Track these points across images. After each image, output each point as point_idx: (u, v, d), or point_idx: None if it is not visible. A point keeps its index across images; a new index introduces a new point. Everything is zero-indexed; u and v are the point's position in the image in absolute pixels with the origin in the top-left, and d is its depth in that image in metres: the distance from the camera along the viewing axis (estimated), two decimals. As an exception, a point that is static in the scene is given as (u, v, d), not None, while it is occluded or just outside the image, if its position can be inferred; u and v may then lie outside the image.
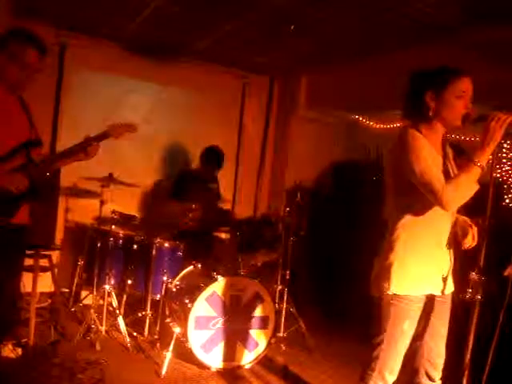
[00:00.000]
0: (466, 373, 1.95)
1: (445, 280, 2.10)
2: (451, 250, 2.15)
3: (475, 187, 1.94)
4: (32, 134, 2.43)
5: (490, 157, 1.95)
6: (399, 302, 2.04)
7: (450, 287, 2.16)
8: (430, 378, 2.19)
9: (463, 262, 2.17)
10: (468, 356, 1.93)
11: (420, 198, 2.00)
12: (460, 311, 2.18)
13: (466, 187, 1.92)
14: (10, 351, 3.13)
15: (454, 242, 2.16)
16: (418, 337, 2.16)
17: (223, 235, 4.22)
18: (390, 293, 2.04)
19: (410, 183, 1.99)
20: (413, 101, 2.12)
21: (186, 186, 4.58)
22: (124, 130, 2.67)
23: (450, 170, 2.11)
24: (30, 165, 2.34)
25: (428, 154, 1.99)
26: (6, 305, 2.42)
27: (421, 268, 2.06)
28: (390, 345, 2.07)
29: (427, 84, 2.06)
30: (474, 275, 1.94)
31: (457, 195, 1.92)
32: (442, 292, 2.11)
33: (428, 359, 2.18)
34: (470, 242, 2.09)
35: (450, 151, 2.21)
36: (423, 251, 2.07)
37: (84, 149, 2.50)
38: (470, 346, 1.93)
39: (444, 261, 2.12)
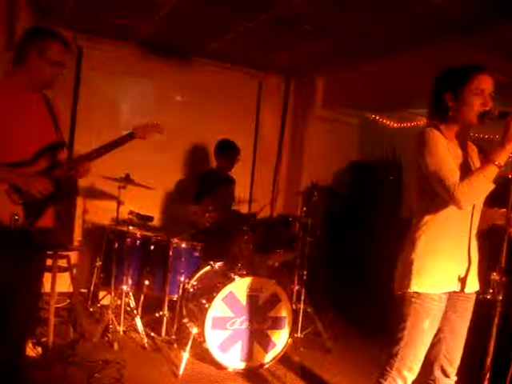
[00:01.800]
0: (488, 375, 1.92)
1: (467, 278, 2.07)
2: (475, 248, 2.12)
3: (490, 186, 1.92)
4: (58, 136, 2.43)
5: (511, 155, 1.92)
6: (420, 300, 2.04)
7: (474, 286, 2.13)
8: (446, 374, 2.18)
9: (484, 262, 2.15)
10: (489, 357, 1.91)
11: (441, 197, 1.98)
12: (479, 310, 2.16)
13: (480, 186, 1.90)
14: (30, 350, 3.17)
15: (478, 240, 2.13)
16: (437, 331, 2.13)
17: (240, 235, 4.21)
18: (410, 291, 2.04)
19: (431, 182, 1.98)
20: (434, 102, 2.13)
21: (208, 188, 4.59)
22: (151, 131, 2.66)
23: (473, 167, 2.08)
24: (54, 168, 2.34)
25: (444, 150, 1.98)
26: (30, 306, 2.44)
27: (442, 266, 2.04)
28: (410, 343, 2.06)
29: (445, 85, 2.07)
30: (495, 275, 1.91)
31: (470, 193, 1.90)
32: (463, 290, 2.08)
33: (445, 355, 2.17)
34: None
35: (474, 148, 2.19)
36: (445, 249, 2.05)
37: (109, 150, 2.49)
38: (492, 347, 1.90)
39: (466, 259, 2.08)
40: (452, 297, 2.10)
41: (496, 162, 1.88)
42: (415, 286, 2.03)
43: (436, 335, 2.13)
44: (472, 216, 2.07)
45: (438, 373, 2.19)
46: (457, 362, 2.19)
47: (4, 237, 2.18)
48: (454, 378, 2.20)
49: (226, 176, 4.91)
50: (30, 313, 2.49)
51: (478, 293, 2.15)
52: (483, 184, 1.90)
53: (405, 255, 2.10)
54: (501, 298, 1.90)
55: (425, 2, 3.30)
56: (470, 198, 1.93)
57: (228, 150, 4.78)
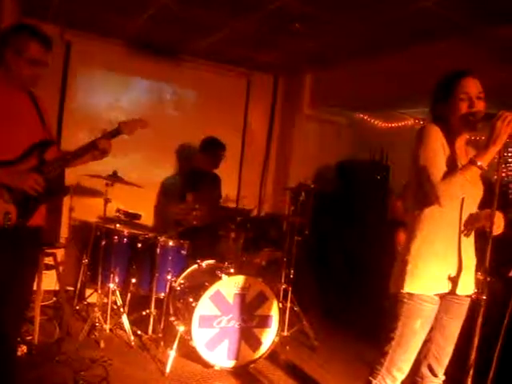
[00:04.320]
0: (471, 372, 1.95)
1: (459, 280, 2.08)
2: (468, 251, 2.13)
3: (469, 187, 1.96)
4: (45, 133, 2.41)
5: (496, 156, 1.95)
6: (412, 300, 2.07)
7: (469, 289, 2.13)
8: (433, 373, 2.21)
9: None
10: (473, 356, 1.93)
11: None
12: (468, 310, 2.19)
13: (458, 186, 1.94)
14: (15, 348, 3.14)
15: (473, 242, 2.15)
16: (428, 331, 2.16)
17: (227, 234, 4.21)
18: (403, 291, 2.07)
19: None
20: (432, 110, 2.19)
21: (193, 186, 4.58)
22: (135, 127, 2.64)
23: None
24: (43, 166, 2.31)
25: (438, 147, 2.02)
26: (22, 305, 2.43)
27: (434, 268, 2.07)
28: (400, 343, 2.09)
29: (437, 93, 2.14)
30: (479, 275, 1.94)
31: (448, 192, 1.94)
32: (455, 291, 2.09)
33: (434, 354, 2.20)
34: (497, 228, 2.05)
35: (471, 151, 2.20)
36: (437, 251, 2.07)
37: (96, 147, 2.46)
38: (475, 346, 1.93)
39: (457, 261, 2.10)
40: (446, 298, 2.13)
41: (478, 164, 1.92)
42: (408, 287, 2.06)
43: (427, 334, 2.15)
44: (460, 219, 2.09)
45: (425, 371, 2.22)
46: (445, 362, 2.22)
47: None
48: (442, 378, 2.23)
49: (212, 174, 4.91)
50: (21, 311, 2.48)
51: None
52: (461, 184, 1.94)
53: (401, 255, 2.13)
54: (484, 297, 1.92)
55: (415, 3, 3.32)
56: (448, 197, 1.97)
57: (211, 147, 4.80)
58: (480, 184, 2.15)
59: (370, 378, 2.16)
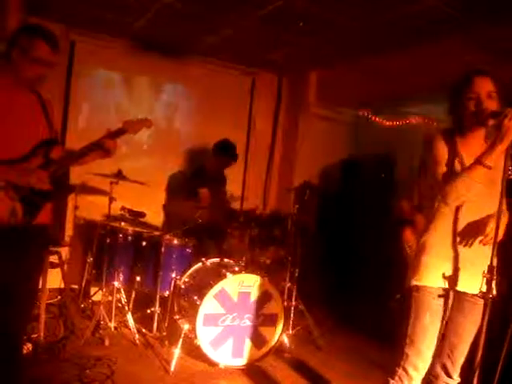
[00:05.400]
0: (477, 373, 1.94)
1: (469, 278, 2.08)
2: (481, 249, 2.08)
3: (475, 186, 1.96)
4: (51, 133, 2.41)
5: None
6: (419, 293, 2.12)
7: (478, 287, 2.03)
8: (448, 374, 2.21)
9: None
10: (479, 355, 1.92)
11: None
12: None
13: (463, 185, 1.97)
14: (21, 346, 3.15)
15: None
16: (442, 329, 2.17)
17: (232, 232, 4.21)
18: (411, 285, 2.14)
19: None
20: (448, 108, 2.21)
21: (200, 185, 4.56)
22: (140, 126, 2.65)
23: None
24: (49, 164, 2.31)
25: (443, 150, 2.07)
26: (27, 303, 2.44)
27: (439, 264, 2.09)
28: (414, 340, 2.12)
29: (449, 98, 2.18)
30: (485, 274, 1.92)
31: (454, 191, 1.99)
32: (454, 287, 2.09)
33: (448, 354, 2.20)
34: (488, 234, 2.02)
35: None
36: (443, 249, 2.10)
37: (101, 146, 2.46)
38: (482, 346, 1.92)
39: (452, 258, 2.10)
40: (460, 297, 2.14)
41: (485, 163, 1.92)
42: (414, 280, 2.13)
43: (440, 332, 2.15)
44: (456, 218, 2.09)
45: (439, 370, 2.23)
46: (459, 362, 2.21)
47: (3, 233, 2.17)
48: (457, 380, 2.22)
49: (218, 175, 4.89)
50: (27, 309, 2.48)
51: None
52: (466, 184, 1.96)
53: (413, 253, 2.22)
54: (490, 296, 1.91)
55: (420, 2, 3.30)
56: (454, 196, 2.01)
57: (222, 155, 4.71)
58: (497, 183, 2.12)
59: (389, 377, 2.19)
